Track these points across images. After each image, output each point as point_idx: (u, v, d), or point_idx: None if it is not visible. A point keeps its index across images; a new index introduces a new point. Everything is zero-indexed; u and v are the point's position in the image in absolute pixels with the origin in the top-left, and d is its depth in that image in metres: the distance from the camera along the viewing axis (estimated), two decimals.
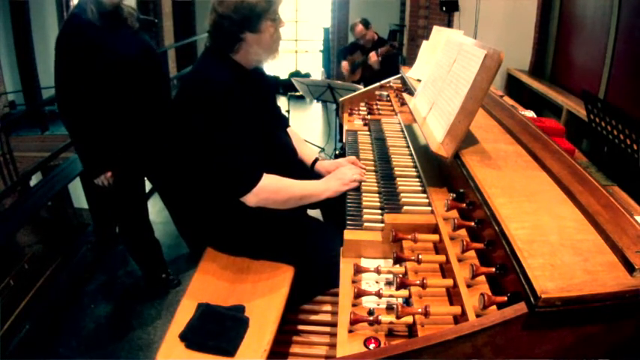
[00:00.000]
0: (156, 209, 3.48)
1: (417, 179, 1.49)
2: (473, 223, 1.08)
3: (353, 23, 4.34)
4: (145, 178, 2.30)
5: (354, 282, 1.12)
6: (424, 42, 2.51)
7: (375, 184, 1.52)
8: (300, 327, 1.64)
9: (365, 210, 1.36)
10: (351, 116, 2.30)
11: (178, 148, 1.51)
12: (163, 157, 1.95)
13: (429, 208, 1.28)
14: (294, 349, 1.56)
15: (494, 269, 0.91)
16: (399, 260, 1.08)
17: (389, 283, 1.12)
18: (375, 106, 2.31)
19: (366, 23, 4.25)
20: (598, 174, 1.72)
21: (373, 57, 4.07)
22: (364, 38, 4.25)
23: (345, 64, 4.37)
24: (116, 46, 1.89)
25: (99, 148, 2.00)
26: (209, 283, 1.47)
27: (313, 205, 1.59)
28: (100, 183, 2.06)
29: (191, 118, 1.40)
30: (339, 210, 1.46)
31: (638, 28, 2.89)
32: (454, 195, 1.22)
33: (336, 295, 1.13)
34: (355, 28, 4.27)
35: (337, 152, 3.55)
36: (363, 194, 1.46)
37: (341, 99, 2.54)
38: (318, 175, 1.66)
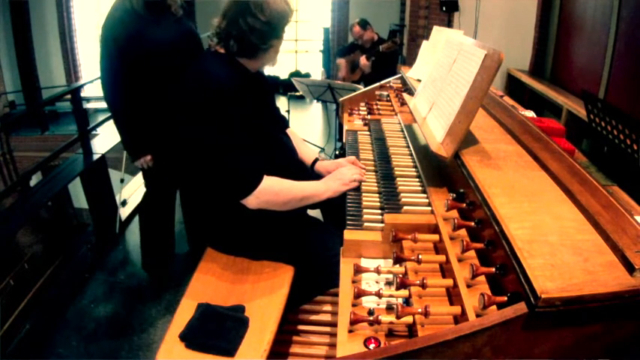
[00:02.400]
0: None
1: (417, 179, 1.49)
2: (473, 223, 1.08)
3: (351, 24, 4.35)
4: None
5: (354, 282, 1.12)
6: (424, 42, 2.51)
7: (375, 184, 1.52)
8: (300, 327, 1.64)
9: (365, 210, 1.36)
10: (351, 116, 2.30)
11: (179, 148, 1.51)
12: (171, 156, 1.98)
13: (429, 208, 1.28)
14: (294, 349, 1.56)
15: (494, 269, 0.91)
16: (399, 260, 1.08)
17: (389, 283, 1.12)
18: (375, 106, 2.31)
19: (363, 24, 4.26)
20: (598, 174, 1.72)
21: (363, 61, 4.12)
22: (362, 39, 4.26)
23: (341, 61, 4.37)
24: (160, 35, 1.92)
25: (140, 133, 2.07)
26: (209, 283, 1.47)
27: (313, 205, 1.59)
28: (139, 165, 2.17)
29: (192, 119, 1.40)
30: (339, 210, 1.46)
31: (638, 28, 2.89)
32: (454, 195, 1.22)
33: (336, 295, 1.13)
34: (353, 29, 4.28)
35: (337, 152, 3.55)
36: (363, 194, 1.46)
37: (341, 99, 2.54)
38: (318, 176, 1.66)
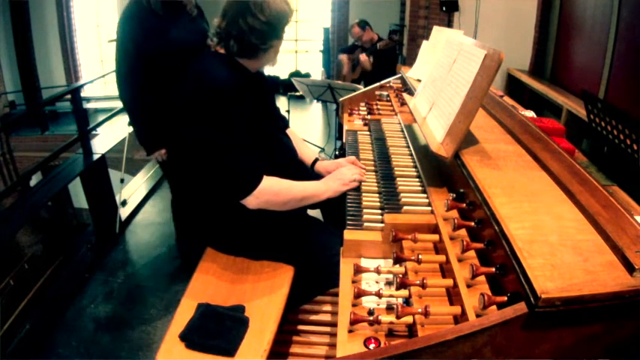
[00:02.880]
0: (156, 210, 3.49)
1: (417, 179, 1.49)
2: (473, 223, 1.08)
3: (351, 25, 4.36)
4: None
5: (354, 282, 1.12)
6: (424, 42, 2.51)
7: (375, 184, 1.52)
8: (300, 327, 1.64)
9: (365, 210, 1.36)
10: (351, 116, 2.30)
11: (179, 148, 1.51)
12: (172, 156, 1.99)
13: (429, 208, 1.28)
14: (294, 349, 1.56)
15: (494, 269, 0.91)
16: (399, 260, 1.08)
17: (389, 283, 1.12)
18: (375, 106, 2.31)
19: (362, 25, 4.26)
20: (598, 174, 1.72)
21: (362, 57, 4.13)
22: (362, 40, 4.26)
23: (343, 56, 4.38)
24: (177, 33, 1.93)
25: (154, 128, 2.09)
26: (209, 283, 1.47)
27: (313, 205, 1.59)
28: (153, 159, 2.21)
29: (192, 119, 1.40)
30: (339, 210, 1.46)
31: (638, 28, 2.89)
32: (454, 195, 1.22)
33: (336, 295, 1.12)
34: (352, 30, 4.29)
35: (337, 152, 3.55)
36: (363, 194, 1.46)
37: (341, 99, 2.54)
38: (318, 176, 1.66)
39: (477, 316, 0.85)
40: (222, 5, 1.43)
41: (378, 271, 1.08)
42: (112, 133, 3.54)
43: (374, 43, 4.24)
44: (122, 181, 3.35)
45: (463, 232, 1.12)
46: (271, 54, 1.48)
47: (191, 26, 1.99)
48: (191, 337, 1.26)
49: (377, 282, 1.13)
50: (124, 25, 1.94)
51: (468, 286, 0.94)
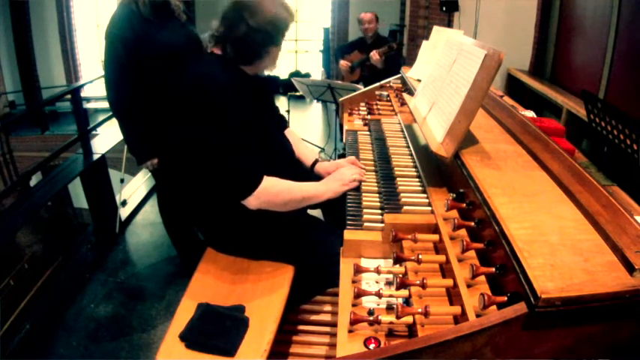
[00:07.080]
0: (156, 210, 3.48)
1: (417, 179, 1.49)
2: (473, 223, 1.08)
3: (359, 17, 4.22)
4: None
5: (354, 282, 1.13)
6: (424, 42, 2.51)
7: (375, 184, 1.52)
8: (300, 327, 1.64)
9: (365, 210, 1.36)
10: (351, 116, 2.30)
11: (179, 148, 1.51)
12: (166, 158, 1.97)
13: (429, 208, 1.28)
14: (294, 349, 1.56)
15: (494, 269, 0.91)
16: (399, 260, 1.08)
17: (389, 283, 1.12)
18: (375, 106, 2.31)
19: (376, 16, 4.20)
20: (598, 174, 1.72)
21: (375, 56, 3.91)
22: (370, 25, 4.11)
23: (343, 62, 4.34)
24: (165, 38, 1.93)
25: (146, 136, 2.06)
26: (209, 283, 1.47)
27: (314, 205, 1.59)
28: (144, 167, 2.19)
29: (191, 119, 1.40)
30: (340, 210, 1.46)
31: (638, 28, 2.89)
32: (454, 195, 1.22)
33: (336, 295, 1.13)
34: (365, 14, 4.13)
35: (340, 152, 3.53)
36: (363, 194, 1.46)
37: (341, 99, 2.54)
38: (317, 177, 1.66)
39: (477, 316, 0.85)
40: (221, 6, 1.43)
41: (378, 271, 1.08)
42: (112, 133, 3.53)
43: (375, 38, 4.17)
44: (122, 181, 3.35)
45: (463, 232, 1.12)
46: (268, 60, 1.47)
47: (180, 31, 1.98)
48: (191, 337, 1.26)
49: (377, 282, 1.13)
50: (115, 28, 1.92)
51: (468, 286, 0.94)
